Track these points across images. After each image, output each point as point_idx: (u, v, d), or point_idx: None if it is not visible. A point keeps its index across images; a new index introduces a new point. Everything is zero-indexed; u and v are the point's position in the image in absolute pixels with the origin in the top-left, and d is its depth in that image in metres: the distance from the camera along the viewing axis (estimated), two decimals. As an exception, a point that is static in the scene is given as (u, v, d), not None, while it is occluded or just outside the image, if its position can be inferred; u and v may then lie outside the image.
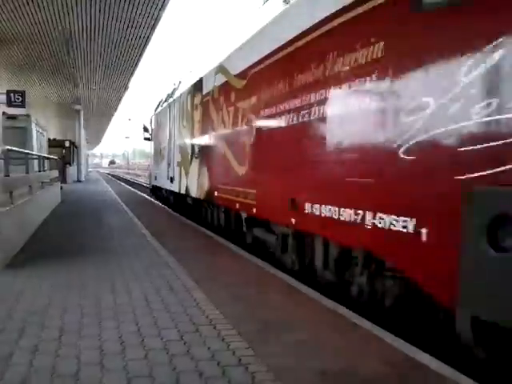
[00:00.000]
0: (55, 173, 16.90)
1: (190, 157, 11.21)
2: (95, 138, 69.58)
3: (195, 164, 10.59)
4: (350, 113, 4.30)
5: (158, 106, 16.80)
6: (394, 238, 3.56)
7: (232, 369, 2.97)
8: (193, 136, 10.97)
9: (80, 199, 17.77)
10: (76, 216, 11.89)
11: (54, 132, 38.34)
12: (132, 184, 38.37)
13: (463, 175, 2.94)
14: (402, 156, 3.50)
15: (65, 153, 29.99)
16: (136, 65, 21.09)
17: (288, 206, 5.41)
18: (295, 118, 5.36)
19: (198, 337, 3.53)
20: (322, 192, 4.78)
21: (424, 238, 3.23)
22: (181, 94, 12.46)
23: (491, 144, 2.77)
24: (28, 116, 19.99)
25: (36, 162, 14.10)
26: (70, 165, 31.37)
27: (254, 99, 6.81)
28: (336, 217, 4.40)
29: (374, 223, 3.82)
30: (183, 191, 11.79)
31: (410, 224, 3.37)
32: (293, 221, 5.40)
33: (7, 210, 6.41)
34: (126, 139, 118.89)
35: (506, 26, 2.73)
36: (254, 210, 6.64)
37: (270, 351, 3.26)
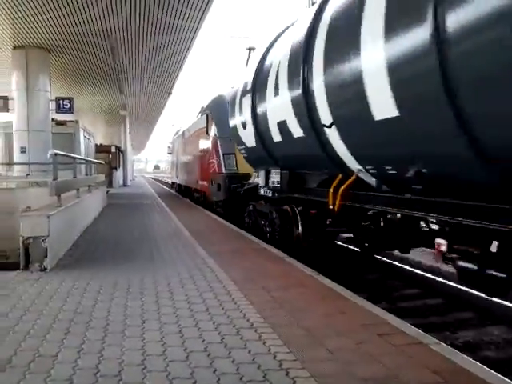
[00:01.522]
0: (102, 177, 17.34)
1: (179, 166, 25.29)
2: (140, 143, 71.01)
3: (180, 170, 25.02)
4: (195, 158, 18.27)
5: (173, 136, 30.82)
6: (205, 186, 15.75)
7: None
8: (179, 157, 25.16)
9: (125, 204, 18.16)
10: (121, 218, 12.15)
11: (100, 137, 39.39)
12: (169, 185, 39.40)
13: (211, 170, 14.50)
14: (201, 168, 16.49)
15: (111, 158, 30.73)
16: (179, 71, 21.39)
17: (194, 182, 18.71)
18: (188, 156, 20.94)
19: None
20: (194, 177, 18.47)
21: (207, 184, 15.18)
22: (177, 135, 27.06)
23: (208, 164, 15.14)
24: (76, 122, 20.62)
25: (83, 166, 14.52)
26: (116, 169, 32.13)
27: (185, 147, 22.34)
28: (195, 183, 18.40)
29: (199, 183, 17.24)
30: (179, 182, 25.84)
31: (206, 183, 15.41)
32: (193, 186, 19.46)
33: (56, 213, 6.60)
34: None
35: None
36: (190, 184, 20.65)
37: (312, 356, 3.21)
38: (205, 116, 15.73)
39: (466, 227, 3.95)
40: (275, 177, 8.17)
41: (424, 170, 4.22)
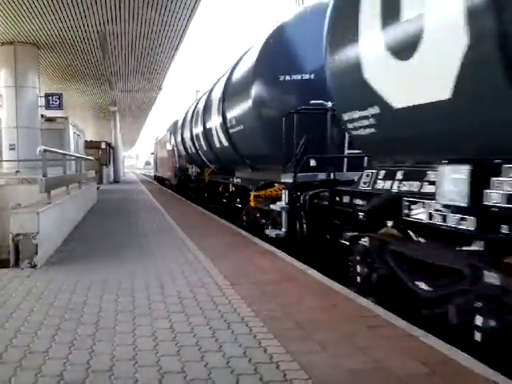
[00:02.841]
0: (92, 173, 17.27)
1: (157, 163, 37.47)
2: (131, 139, 70.67)
3: (157, 166, 37.43)
4: (164, 158, 28.76)
5: (154, 141, 40.99)
6: (169, 175, 26.10)
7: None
8: (157, 157, 37.48)
9: (115, 199, 18.09)
10: (111, 214, 12.12)
11: (90, 134, 39.16)
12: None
13: (171, 165, 23.97)
14: (167, 164, 26.18)
15: (101, 154, 30.59)
16: (169, 66, 21.33)
17: (164, 173, 29.71)
18: (161, 157, 31.87)
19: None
20: (164, 170, 29.59)
21: (170, 174, 25.13)
22: (156, 141, 37.81)
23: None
24: (66, 118, 20.52)
25: (73, 162, 14.45)
26: (106, 166, 32.01)
27: (160, 150, 32.71)
28: (165, 174, 29.28)
29: (167, 174, 27.45)
30: (157, 174, 37.83)
31: (170, 173, 25.50)
32: (163, 176, 30.58)
33: (45, 210, 6.57)
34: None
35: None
36: (162, 175, 31.50)
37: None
38: (168, 133, 25.56)
39: None
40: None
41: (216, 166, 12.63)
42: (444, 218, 3.66)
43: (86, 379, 2.84)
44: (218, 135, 11.33)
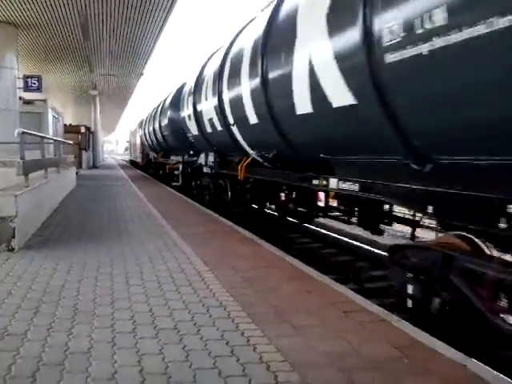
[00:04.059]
0: (71, 158, 17.07)
1: (131, 149, 43.26)
2: (111, 124, 69.84)
3: (131, 151, 42.98)
4: (136, 145, 34.72)
5: (129, 131, 46.86)
6: (140, 158, 31.86)
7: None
8: (131, 144, 43.08)
9: (94, 184, 17.93)
10: (90, 198, 12.03)
11: (70, 118, 38.63)
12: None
13: (140, 151, 31.09)
14: (138, 150, 32.51)
15: (80, 138, 30.17)
16: (151, 51, 21.10)
17: (137, 157, 34.31)
18: (134, 144, 37.53)
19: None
20: (136, 154, 34.93)
21: (141, 157, 31.46)
22: (131, 131, 43.35)
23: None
24: (44, 101, 20.18)
25: (52, 146, 14.25)
26: (85, 150, 31.61)
27: (133, 138, 38.40)
28: (137, 158, 34.59)
29: (137, 158, 33.51)
30: (131, 158, 43.92)
31: (140, 157, 32.27)
32: (136, 159, 35.23)
33: (23, 193, 6.51)
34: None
35: None
36: (135, 159, 36.75)
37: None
38: (137, 126, 33.09)
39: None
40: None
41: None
42: (207, 170, 10.47)
43: (64, 360, 2.87)
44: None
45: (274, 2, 6.34)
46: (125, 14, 15.51)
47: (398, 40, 3.40)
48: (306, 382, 2.61)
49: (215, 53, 10.55)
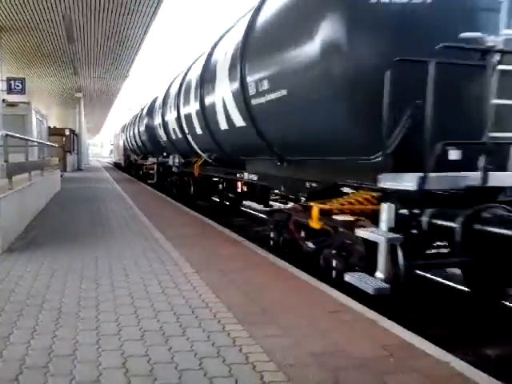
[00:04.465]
0: (55, 160, 16.91)
1: (115, 151, 48.09)
2: (95, 126, 69.34)
3: (115, 154, 48.82)
4: (119, 148, 38.97)
5: (114, 133, 49.37)
6: (122, 160, 35.31)
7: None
8: (114, 147, 49.19)
9: (79, 187, 17.78)
10: (74, 201, 11.92)
11: (54, 121, 38.27)
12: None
13: (122, 154, 34.14)
14: (122, 153, 34.38)
15: (65, 141, 29.86)
16: (136, 54, 21.01)
17: (119, 159, 38.51)
18: (117, 147, 41.65)
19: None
20: (119, 157, 39.23)
21: (123, 159, 34.47)
22: (114, 135, 47.99)
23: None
24: (28, 103, 19.94)
25: (36, 149, 14.10)
26: (70, 153, 31.31)
27: (116, 142, 42.49)
28: (119, 160, 38.30)
29: (120, 160, 36.50)
30: (114, 160, 48.77)
31: (123, 159, 34.39)
32: (119, 161, 38.89)
33: (7, 196, 6.44)
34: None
35: None
36: (118, 161, 40.73)
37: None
38: (120, 130, 36.66)
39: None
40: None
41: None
42: (174, 169, 14.50)
43: (48, 363, 2.84)
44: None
45: (207, 53, 9.43)
46: (109, 17, 15.45)
47: (254, 93, 6.26)
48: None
49: (177, 77, 13.47)
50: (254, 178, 7.79)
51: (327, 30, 4.46)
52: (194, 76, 10.11)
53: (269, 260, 5.73)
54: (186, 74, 11.46)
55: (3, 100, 17.21)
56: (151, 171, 18.62)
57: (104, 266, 5.29)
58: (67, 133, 30.85)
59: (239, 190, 10.34)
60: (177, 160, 13.86)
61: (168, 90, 13.86)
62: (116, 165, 46.05)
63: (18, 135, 8.64)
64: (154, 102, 18.14)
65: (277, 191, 8.83)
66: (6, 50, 18.49)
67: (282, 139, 6.27)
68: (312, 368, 2.80)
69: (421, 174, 3.88)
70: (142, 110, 22.22)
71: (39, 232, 7.62)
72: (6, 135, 7.12)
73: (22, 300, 4.06)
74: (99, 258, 5.72)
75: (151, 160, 19.54)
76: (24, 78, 18.05)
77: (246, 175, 8.18)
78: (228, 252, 6.19)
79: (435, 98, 3.84)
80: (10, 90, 17.33)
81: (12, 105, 18.56)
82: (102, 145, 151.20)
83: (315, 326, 3.48)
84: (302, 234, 5.96)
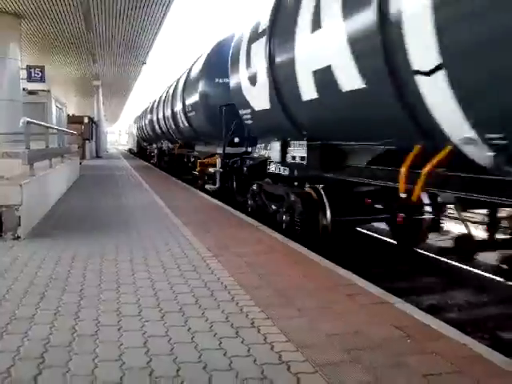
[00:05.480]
0: (74, 148, 17.10)
1: (129, 139, 65.82)
2: (113, 114, 69.73)
3: (130, 141, 61.21)
4: (133, 136, 50.97)
5: (129, 124, 68.35)
6: (135, 148, 46.47)
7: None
8: (129, 135, 65.66)
9: (98, 174, 17.98)
10: (94, 188, 12.09)
11: (73, 108, 38.58)
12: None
13: (138, 140, 41.10)
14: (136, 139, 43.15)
15: (84, 129, 30.17)
16: (153, 40, 21.01)
17: (134, 147, 47.20)
18: (132, 135, 54.06)
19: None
20: (133, 144, 50.29)
21: (135, 147, 45.04)
22: (129, 125, 67.59)
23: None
24: (48, 91, 20.16)
25: (56, 137, 14.27)
26: (88, 141, 31.62)
27: (131, 131, 54.16)
28: (134, 147, 48.11)
29: (133, 146, 48.25)
30: (130, 147, 57.71)
31: (135, 146, 45.77)
32: (133, 148, 49.24)
33: (29, 182, 6.56)
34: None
35: None
36: (132, 147, 51.92)
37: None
38: (133, 122, 45.44)
39: None
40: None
41: None
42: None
43: (71, 343, 2.91)
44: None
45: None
46: (126, 4, 15.45)
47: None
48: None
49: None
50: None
51: None
52: (151, 107, 26.57)
53: (283, 243, 5.77)
54: (151, 105, 25.23)
55: (23, 88, 17.41)
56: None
57: (124, 250, 5.38)
58: (86, 121, 31.14)
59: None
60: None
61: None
62: (130, 150, 55.64)
63: (39, 122, 8.76)
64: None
65: None
66: (26, 39, 18.66)
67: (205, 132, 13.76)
68: (329, 348, 2.83)
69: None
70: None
71: (60, 217, 7.75)
72: (28, 122, 7.21)
73: (44, 283, 4.15)
74: (119, 244, 5.81)
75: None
76: (43, 66, 18.20)
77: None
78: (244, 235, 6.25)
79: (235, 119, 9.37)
80: (29, 78, 17.51)
81: (32, 93, 18.79)
82: (120, 133, 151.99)
83: (332, 309, 3.50)
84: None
